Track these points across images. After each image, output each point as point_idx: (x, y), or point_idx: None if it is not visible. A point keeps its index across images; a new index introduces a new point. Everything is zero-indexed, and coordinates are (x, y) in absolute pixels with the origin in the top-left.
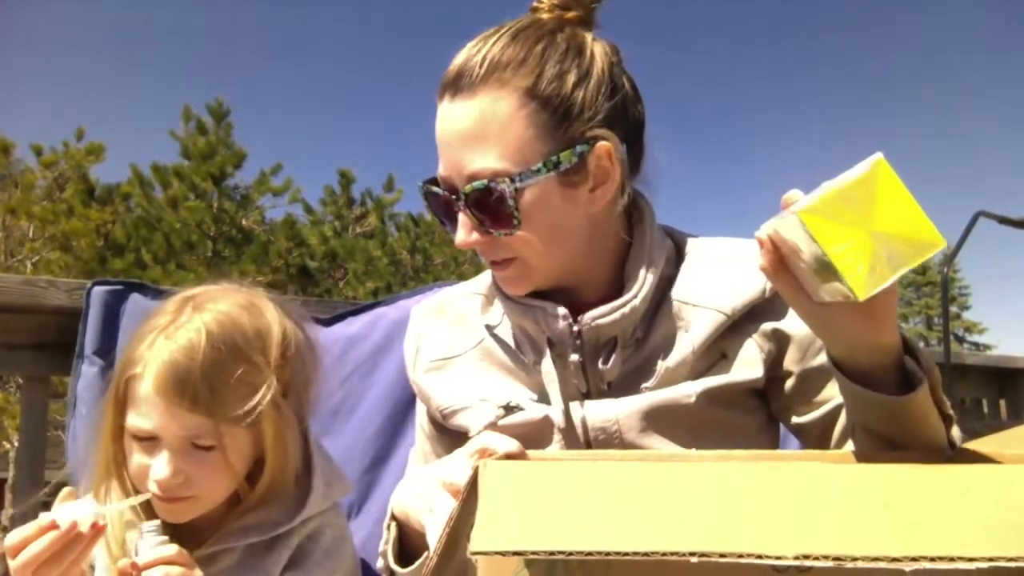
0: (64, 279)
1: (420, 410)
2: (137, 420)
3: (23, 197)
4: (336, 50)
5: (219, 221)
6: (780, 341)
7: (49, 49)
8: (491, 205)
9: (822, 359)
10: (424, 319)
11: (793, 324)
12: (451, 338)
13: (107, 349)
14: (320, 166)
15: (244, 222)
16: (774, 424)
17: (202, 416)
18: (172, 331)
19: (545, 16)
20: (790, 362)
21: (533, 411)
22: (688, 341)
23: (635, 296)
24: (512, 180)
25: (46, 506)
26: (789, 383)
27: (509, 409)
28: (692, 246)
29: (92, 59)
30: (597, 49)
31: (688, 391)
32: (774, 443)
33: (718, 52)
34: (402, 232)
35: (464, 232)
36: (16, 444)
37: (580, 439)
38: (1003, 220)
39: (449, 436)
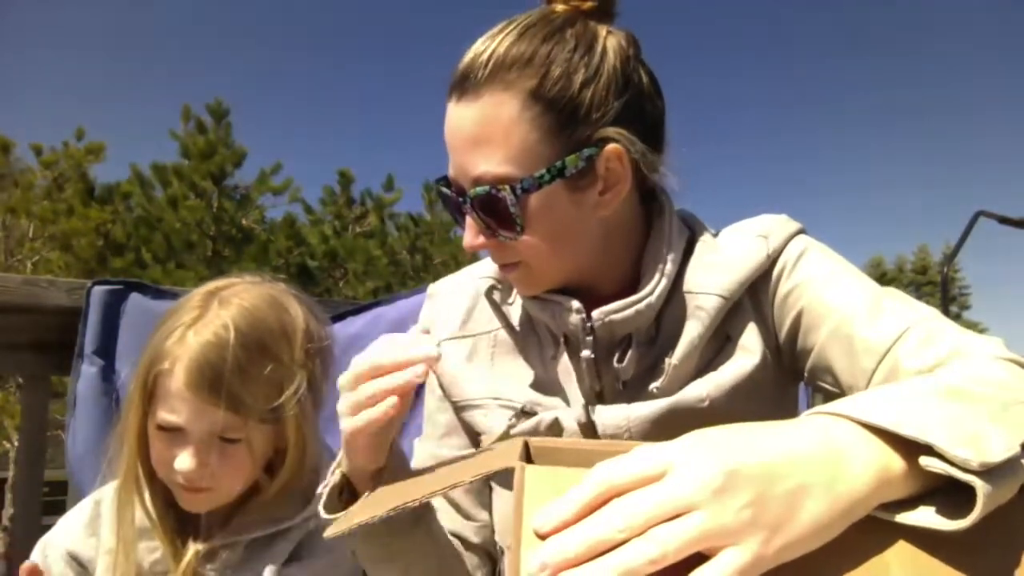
0: (64, 279)
1: (432, 399)
2: (166, 414)
3: (23, 197)
4: (336, 50)
5: (219, 220)
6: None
7: (49, 49)
8: (495, 210)
9: (824, 331)
10: (442, 297)
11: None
12: (469, 315)
13: (107, 349)
14: (320, 166)
15: (244, 221)
16: (790, 402)
17: (230, 412)
18: (200, 327)
19: (560, 7)
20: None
21: (545, 415)
22: (690, 335)
23: (650, 293)
24: (515, 186)
25: (46, 506)
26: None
27: (522, 414)
28: (703, 236)
29: (92, 59)
30: (610, 43)
31: (701, 393)
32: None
33: (704, 52)
34: (402, 232)
35: (471, 235)
36: (16, 444)
37: None
38: (1003, 220)
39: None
